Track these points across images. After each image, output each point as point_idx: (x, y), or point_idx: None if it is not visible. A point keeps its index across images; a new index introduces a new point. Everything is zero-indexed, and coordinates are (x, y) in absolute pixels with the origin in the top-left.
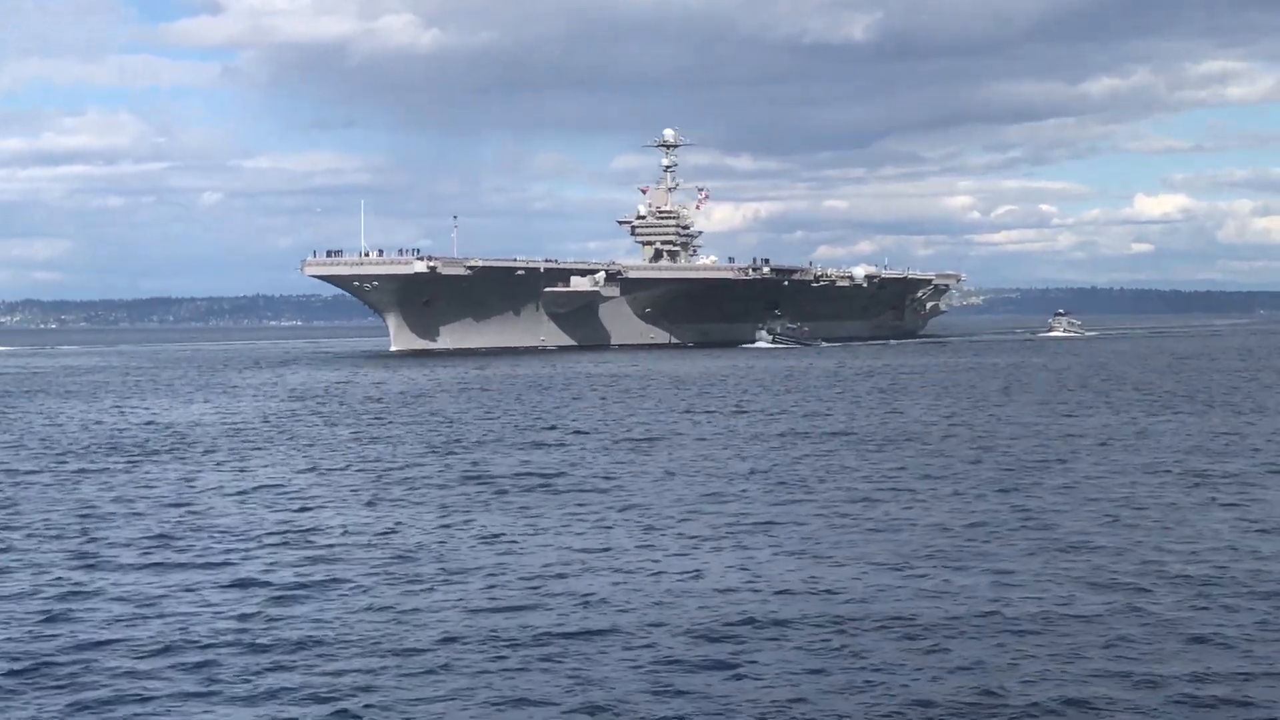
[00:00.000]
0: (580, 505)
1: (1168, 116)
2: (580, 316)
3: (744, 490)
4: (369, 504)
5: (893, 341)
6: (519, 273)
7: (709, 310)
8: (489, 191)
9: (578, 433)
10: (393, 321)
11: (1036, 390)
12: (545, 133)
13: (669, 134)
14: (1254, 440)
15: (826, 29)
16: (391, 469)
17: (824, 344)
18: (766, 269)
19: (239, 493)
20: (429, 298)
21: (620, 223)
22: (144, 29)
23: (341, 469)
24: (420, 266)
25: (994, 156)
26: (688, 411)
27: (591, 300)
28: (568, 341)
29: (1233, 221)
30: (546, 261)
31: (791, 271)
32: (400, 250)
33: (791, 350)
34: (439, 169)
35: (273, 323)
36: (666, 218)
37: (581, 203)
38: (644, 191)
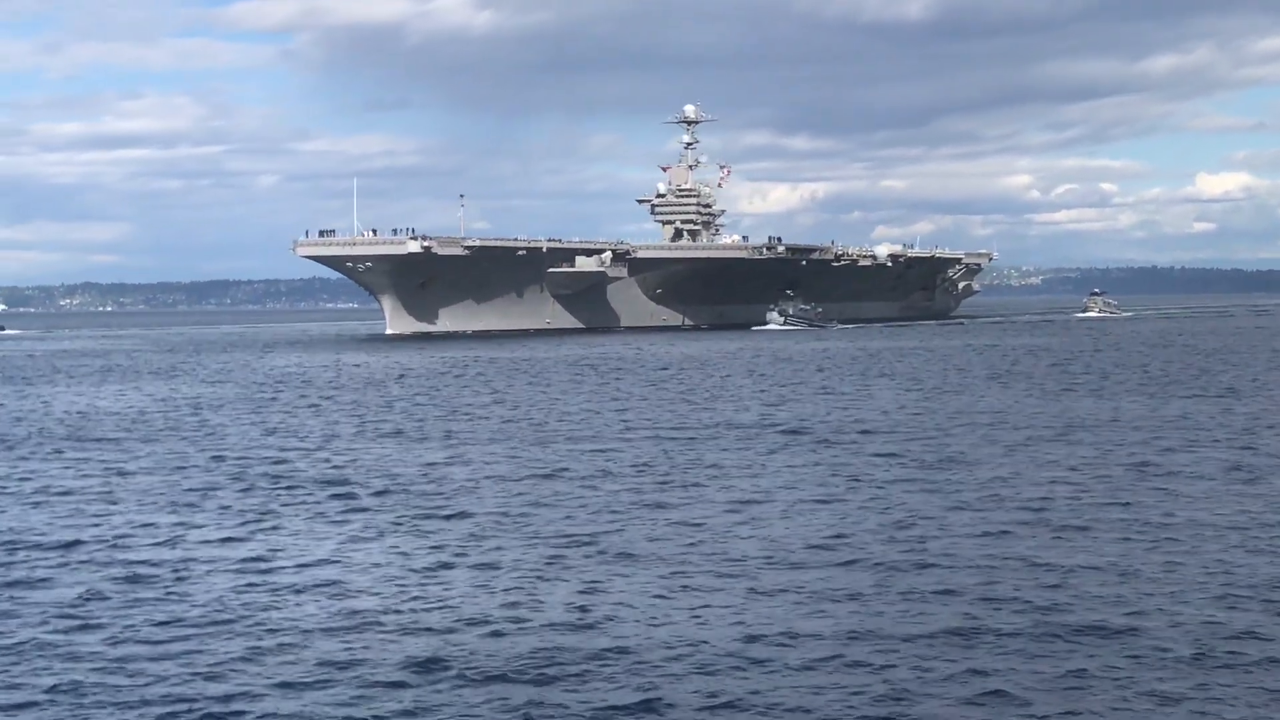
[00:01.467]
0: (369, 513)
1: (1229, 94)
2: (587, 298)
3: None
4: (159, 508)
5: (919, 323)
6: (520, 253)
7: (724, 291)
8: (543, 173)
9: (506, 421)
10: (388, 304)
11: (975, 373)
12: (600, 113)
13: (690, 110)
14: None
15: (883, 7)
16: (231, 466)
17: (839, 325)
18: (781, 248)
19: (33, 491)
20: (425, 279)
21: (640, 202)
22: (200, 12)
23: (174, 469)
24: (414, 246)
25: (1053, 135)
26: (620, 398)
27: (598, 281)
28: (575, 324)
29: None
30: (550, 241)
31: (810, 250)
32: (394, 230)
33: (799, 332)
34: (494, 150)
35: (329, 305)
36: (687, 196)
37: (637, 183)
38: (665, 170)
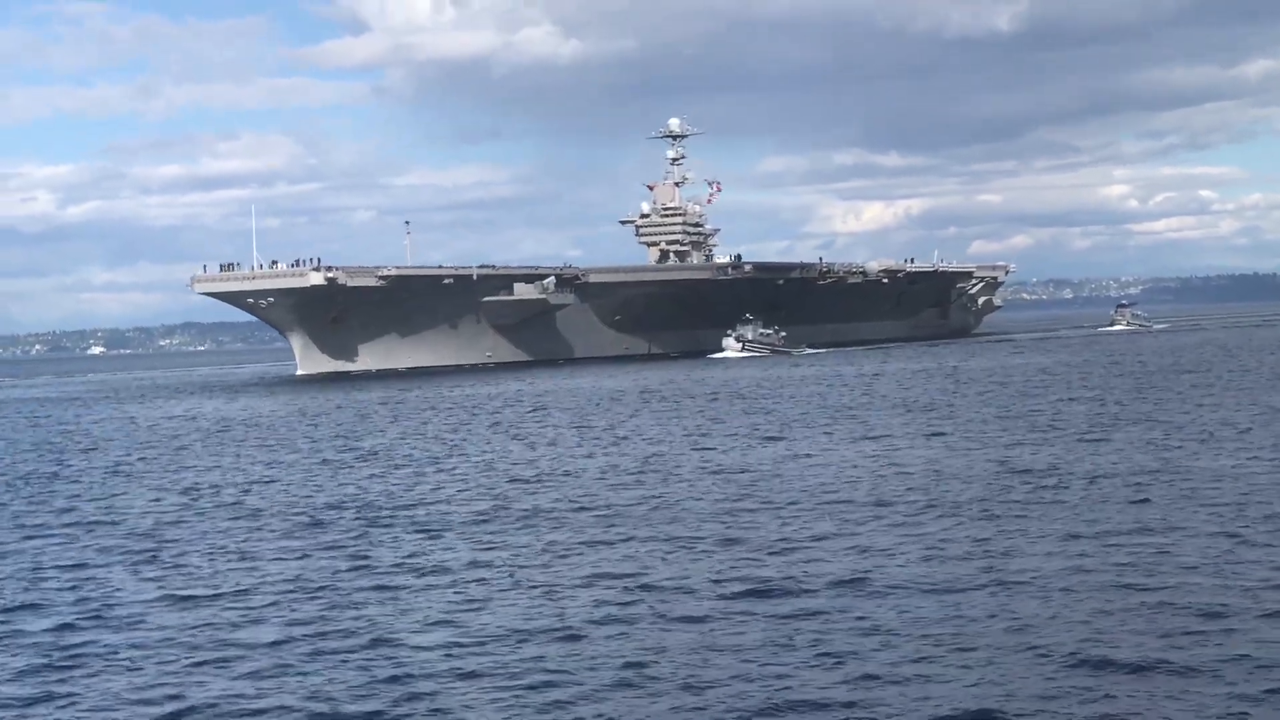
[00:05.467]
0: None
1: None
2: (533, 327)
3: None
4: None
5: (919, 343)
6: (447, 281)
7: (695, 316)
8: (634, 198)
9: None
10: (297, 342)
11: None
12: (691, 137)
13: (674, 124)
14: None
15: (969, 20)
16: None
17: (810, 350)
18: (747, 266)
19: None
20: (337, 314)
21: (623, 223)
22: (292, 51)
23: None
24: (317, 278)
25: (1149, 144)
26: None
27: (543, 309)
28: (520, 356)
29: None
30: (481, 268)
31: (787, 269)
32: (297, 261)
33: (752, 359)
34: (586, 177)
35: None
36: (672, 215)
37: (731, 205)
38: (651, 188)
